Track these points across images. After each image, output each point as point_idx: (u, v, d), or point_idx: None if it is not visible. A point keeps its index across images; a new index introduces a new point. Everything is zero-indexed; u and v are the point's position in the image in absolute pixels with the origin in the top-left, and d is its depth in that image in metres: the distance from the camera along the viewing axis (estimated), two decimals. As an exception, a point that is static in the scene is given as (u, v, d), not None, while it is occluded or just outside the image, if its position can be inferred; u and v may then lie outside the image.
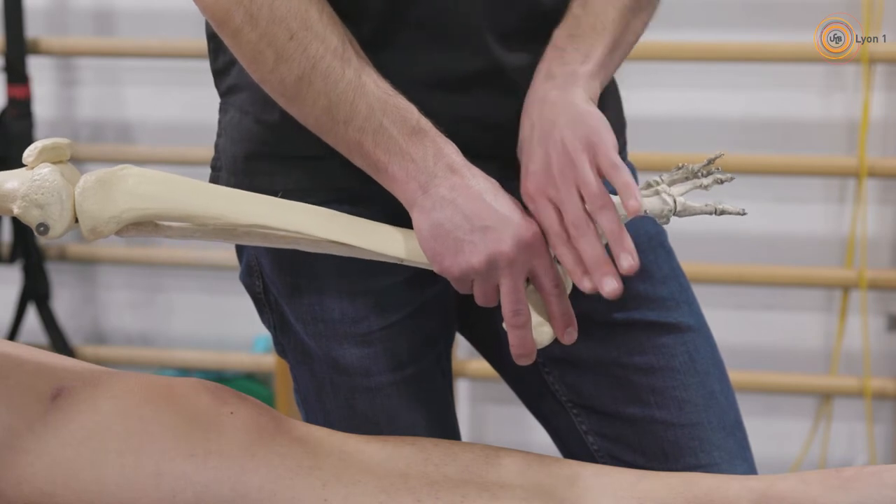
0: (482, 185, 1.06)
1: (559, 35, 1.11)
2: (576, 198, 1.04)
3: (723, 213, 1.10)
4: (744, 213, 1.09)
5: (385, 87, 1.06)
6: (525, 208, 1.08)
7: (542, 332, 1.10)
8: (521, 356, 1.10)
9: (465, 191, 1.06)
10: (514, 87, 1.12)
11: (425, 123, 1.07)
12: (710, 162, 1.10)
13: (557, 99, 1.07)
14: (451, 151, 1.07)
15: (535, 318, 1.09)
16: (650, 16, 1.16)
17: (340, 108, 1.05)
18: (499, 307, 1.09)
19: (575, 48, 1.10)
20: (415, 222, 1.07)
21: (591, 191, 1.03)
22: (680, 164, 1.10)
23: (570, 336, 1.10)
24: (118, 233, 1.06)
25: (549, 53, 1.11)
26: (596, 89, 1.10)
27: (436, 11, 1.10)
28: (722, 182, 1.10)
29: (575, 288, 1.10)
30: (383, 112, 1.06)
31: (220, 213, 1.07)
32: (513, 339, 1.09)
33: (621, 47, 1.13)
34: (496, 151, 1.12)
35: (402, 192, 1.07)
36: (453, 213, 1.05)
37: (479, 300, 1.09)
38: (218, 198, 1.08)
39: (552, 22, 1.12)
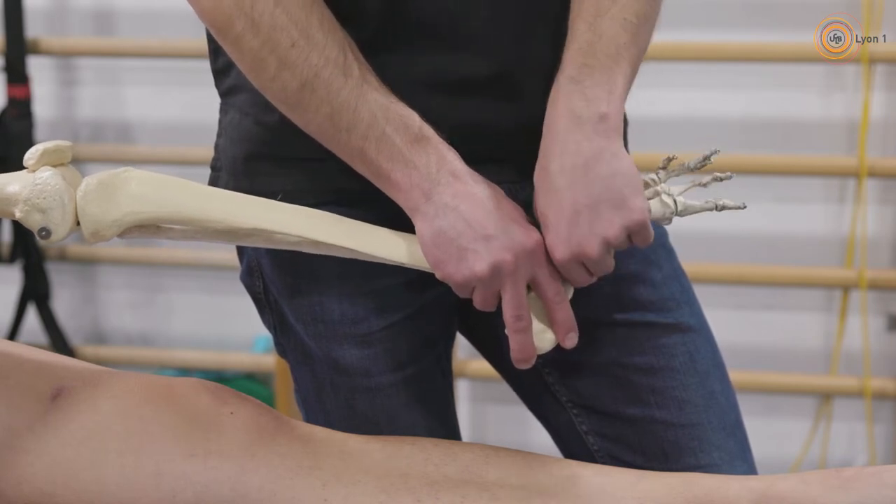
0: (485, 192, 1.06)
1: (572, 62, 1.07)
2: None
3: (723, 208, 1.10)
4: (744, 207, 1.10)
5: (387, 94, 1.06)
6: (527, 216, 1.08)
7: (544, 339, 1.10)
8: (522, 360, 1.10)
9: (468, 198, 1.05)
10: (516, 90, 1.12)
11: (427, 130, 1.06)
12: (706, 158, 1.10)
13: (592, 153, 1.05)
14: (454, 158, 1.07)
15: (537, 325, 1.10)
16: (654, 25, 1.13)
17: (343, 115, 1.05)
18: (500, 310, 1.09)
19: (595, 82, 1.06)
20: (417, 229, 1.07)
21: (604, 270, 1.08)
22: (670, 156, 1.10)
23: (572, 341, 1.10)
24: (120, 234, 1.06)
25: (567, 86, 1.07)
26: (621, 125, 1.07)
27: (435, 13, 1.10)
28: (721, 180, 1.10)
29: (574, 291, 1.11)
30: (386, 119, 1.05)
31: (222, 216, 1.06)
32: (514, 343, 1.09)
33: (635, 70, 1.11)
34: (497, 155, 1.12)
35: (405, 199, 1.07)
36: (456, 221, 1.05)
37: (479, 305, 1.09)
38: (220, 201, 1.08)
39: (554, 24, 1.11)
